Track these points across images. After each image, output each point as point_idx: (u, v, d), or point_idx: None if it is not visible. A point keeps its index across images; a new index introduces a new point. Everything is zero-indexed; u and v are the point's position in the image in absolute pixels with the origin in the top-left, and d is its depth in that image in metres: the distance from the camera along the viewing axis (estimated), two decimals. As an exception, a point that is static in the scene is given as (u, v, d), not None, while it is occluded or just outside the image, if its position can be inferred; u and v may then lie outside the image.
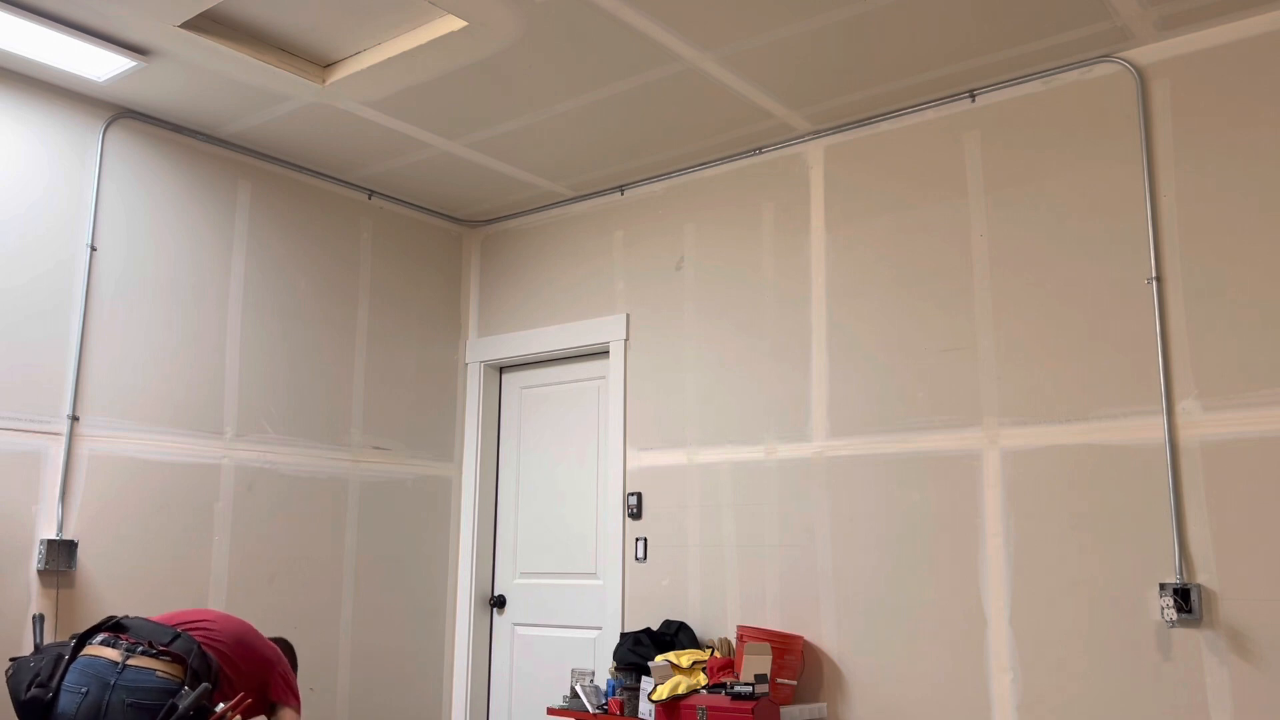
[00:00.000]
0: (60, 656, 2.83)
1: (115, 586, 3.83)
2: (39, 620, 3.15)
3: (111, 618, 2.94)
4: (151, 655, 2.79)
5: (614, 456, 4.59)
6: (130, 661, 2.77)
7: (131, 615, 3.02)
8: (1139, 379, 3.33)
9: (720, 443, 4.26)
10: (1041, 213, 3.60)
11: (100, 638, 2.85)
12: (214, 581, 4.12)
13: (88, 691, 2.74)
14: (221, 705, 2.77)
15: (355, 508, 4.67)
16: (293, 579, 4.39)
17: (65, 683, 2.77)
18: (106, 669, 2.76)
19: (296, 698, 3.10)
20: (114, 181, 4.00)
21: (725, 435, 4.25)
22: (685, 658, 3.81)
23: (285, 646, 3.42)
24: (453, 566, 5.04)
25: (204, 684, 2.75)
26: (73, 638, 2.89)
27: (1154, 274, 3.35)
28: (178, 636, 2.86)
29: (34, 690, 2.77)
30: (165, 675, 2.77)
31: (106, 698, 2.72)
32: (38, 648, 2.94)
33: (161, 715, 2.70)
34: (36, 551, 3.65)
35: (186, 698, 2.71)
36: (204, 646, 2.91)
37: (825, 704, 3.79)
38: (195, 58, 3.61)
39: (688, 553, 4.28)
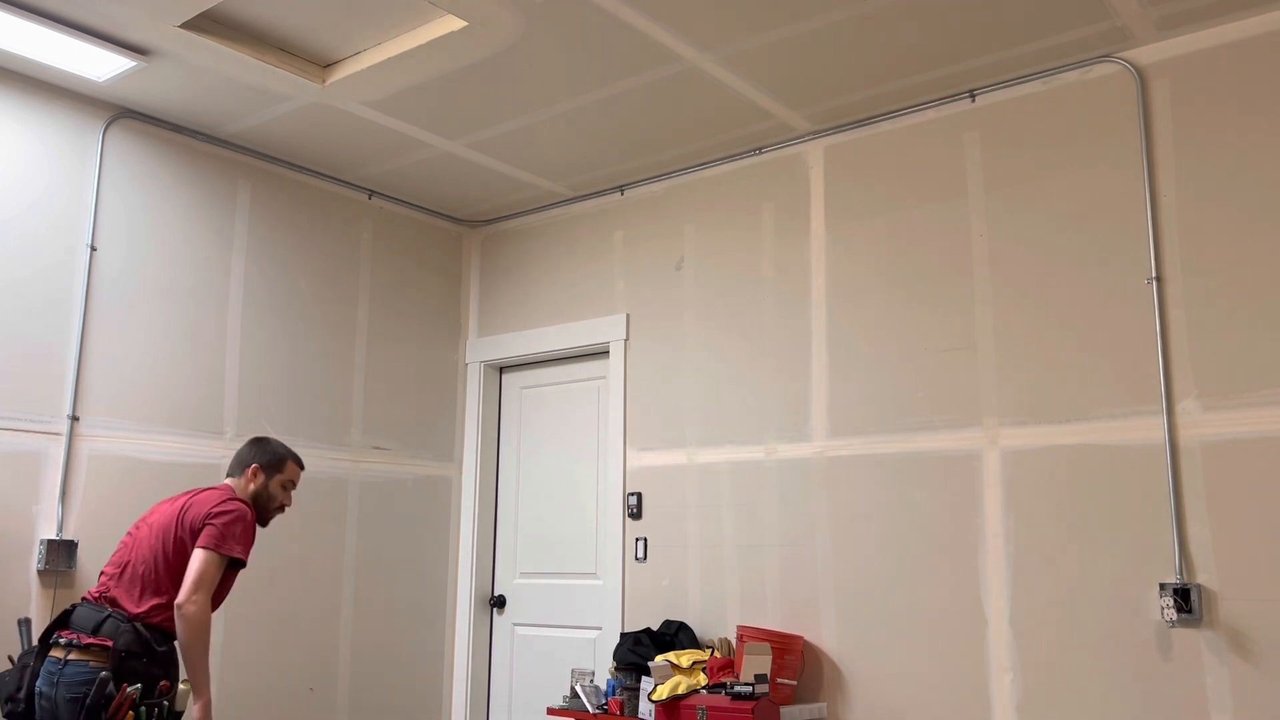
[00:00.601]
0: (26, 666, 2.91)
1: (115, 586, 3.83)
2: (24, 625, 3.17)
3: (67, 610, 2.96)
4: (82, 648, 2.83)
5: (614, 456, 4.59)
6: (70, 657, 2.83)
7: (83, 600, 3.00)
8: (1139, 379, 3.33)
9: (720, 443, 4.26)
10: (1041, 213, 3.60)
11: (53, 637, 2.91)
12: (214, 581, 4.12)
13: (42, 693, 2.83)
14: (130, 688, 2.77)
15: (355, 508, 4.67)
16: (293, 579, 4.39)
17: (35, 688, 2.86)
18: (54, 668, 2.83)
19: (217, 538, 2.94)
20: (114, 181, 4.00)
21: (725, 435, 4.25)
22: (685, 658, 3.81)
23: (256, 450, 3.25)
24: (453, 566, 5.04)
25: (103, 673, 2.76)
26: (40, 641, 2.94)
27: (1154, 274, 3.34)
28: (106, 619, 2.87)
29: (8, 706, 2.87)
30: (96, 665, 2.81)
31: (54, 695, 2.80)
32: (22, 655, 2.97)
33: (80, 709, 2.76)
34: (36, 551, 3.65)
35: (94, 688, 2.75)
36: (136, 616, 2.88)
37: (825, 704, 3.79)
38: (195, 58, 3.61)
39: (688, 553, 4.28)
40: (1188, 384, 3.25)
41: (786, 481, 4.05)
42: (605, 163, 4.52)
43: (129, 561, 2.99)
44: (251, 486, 3.19)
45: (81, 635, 2.85)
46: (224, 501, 3.04)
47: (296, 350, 4.53)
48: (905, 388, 3.81)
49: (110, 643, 2.82)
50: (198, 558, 2.91)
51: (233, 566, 3.00)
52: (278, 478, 3.24)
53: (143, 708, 2.75)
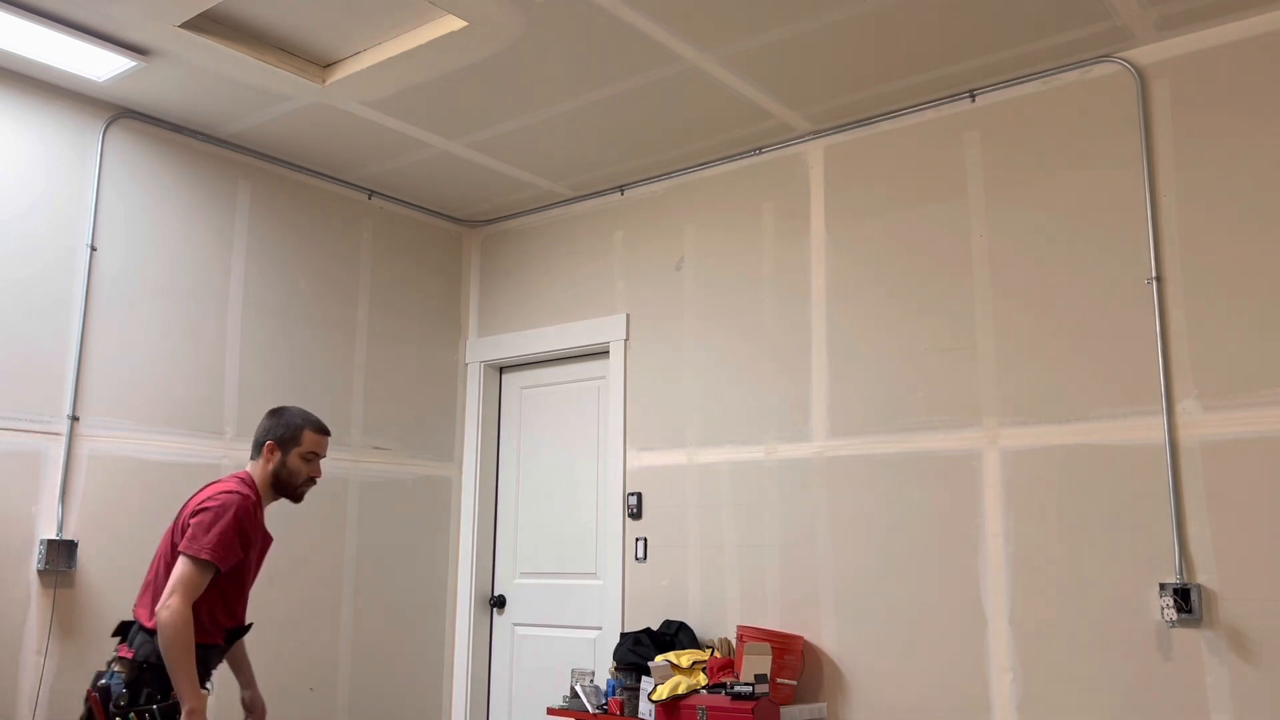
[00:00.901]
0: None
1: (115, 586, 3.83)
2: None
3: (128, 622, 2.93)
4: (119, 659, 2.81)
5: (614, 456, 4.59)
6: (114, 668, 2.81)
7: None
8: (1139, 379, 3.33)
9: (720, 443, 4.26)
10: (1041, 213, 3.60)
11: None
12: (214, 581, 4.12)
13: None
14: (93, 690, 2.77)
15: (355, 508, 4.67)
16: (293, 579, 4.39)
17: None
18: (105, 679, 2.83)
19: (189, 540, 2.73)
20: (114, 181, 4.00)
21: (725, 435, 4.25)
22: (685, 658, 3.81)
23: (270, 424, 3.00)
24: (453, 566, 5.04)
25: (100, 681, 2.75)
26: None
27: (1154, 274, 3.34)
28: (141, 630, 2.83)
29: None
30: (124, 676, 2.77)
31: (103, 702, 2.79)
32: None
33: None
34: (36, 551, 3.65)
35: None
36: (150, 627, 2.83)
37: (825, 704, 3.79)
38: (195, 58, 3.61)
39: (688, 553, 4.28)
40: (1188, 384, 3.25)
41: (786, 481, 4.05)
42: (605, 163, 4.52)
43: (150, 573, 2.94)
44: (270, 465, 2.96)
45: (122, 647, 2.83)
46: (209, 498, 2.83)
47: (296, 350, 4.53)
48: (905, 388, 3.81)
49: (132, 654, 2.79)
50: (178, 562, 2.76)
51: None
52: (296, 451, 2.97)
53: (131, 714, 2.72)
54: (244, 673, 3.14)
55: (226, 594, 2.87)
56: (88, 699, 2.75)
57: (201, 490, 2.97)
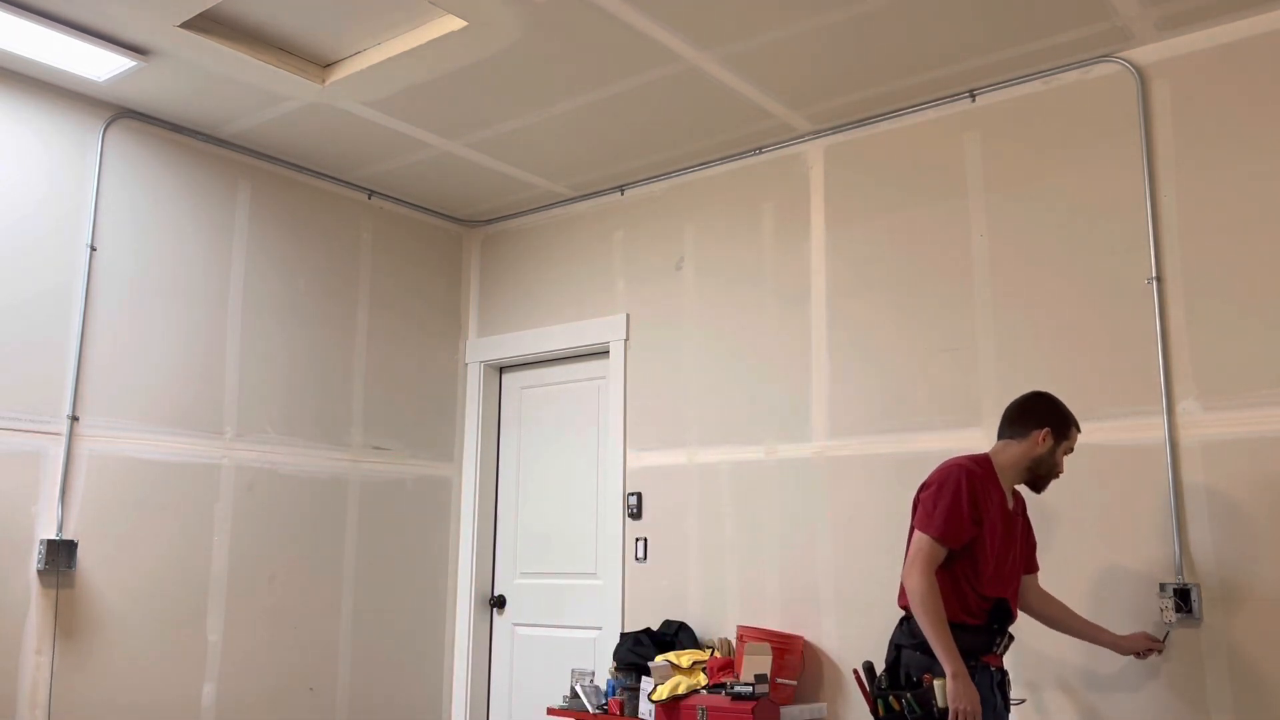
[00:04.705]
0: None
1: (115, 586, 3.83)
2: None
3: None
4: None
5: (614, 456, 4.59)
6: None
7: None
8: (1139, 379, 3.33)
9: (720, 443, 4.26)
10: (1041, 213, 3.60)
11: None
12: (214, 581, 4.12)
13: None
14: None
15: (355, 508, 4.67)
16: (293, 579, 4.39)
17: None
18: None
19: (927, 518, 2.72)
20: (114, 181, 4.00)
21: (725, 435, 4.25)
22: (685, 658, 3.81)
23: (1045, 408, 2.90)
24: (453, 566, 5.04)
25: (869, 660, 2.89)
26: None
27: (1154, 274, 3.34)
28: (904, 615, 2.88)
29: None
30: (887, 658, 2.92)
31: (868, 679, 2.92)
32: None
33: None
34: (36, 551, 3.65)
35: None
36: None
37: (825, 704, 3.79)
38: (195, 58, 3.61)
39: (688, 553, 4.28)
40: (1188, 384, 3.25)
41: (786, 481, 4.04)
42: (605, 163, 4.52)
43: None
44: (1036, 450, 2.85)
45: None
46: (933, 474, 2.82)
47: (296, 350, 4.53)
48: (905, 388, 3.81)
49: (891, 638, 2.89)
50: (914, 537, 2.77)
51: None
52: (1065, 443, 2.89)
53: (890, 696, 2.73)
54: (1097, 632, 3.11)
55: (968, 574, 2.77)
56: (855, 674, 2.82)
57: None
